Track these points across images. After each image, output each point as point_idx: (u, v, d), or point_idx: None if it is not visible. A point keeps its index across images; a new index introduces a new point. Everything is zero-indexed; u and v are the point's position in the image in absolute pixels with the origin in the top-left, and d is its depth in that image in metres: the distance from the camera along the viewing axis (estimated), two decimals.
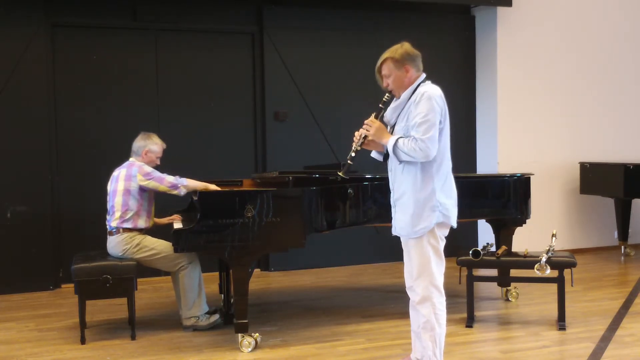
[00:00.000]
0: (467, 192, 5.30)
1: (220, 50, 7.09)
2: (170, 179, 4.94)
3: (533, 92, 7.82)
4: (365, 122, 3.74)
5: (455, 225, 3.80)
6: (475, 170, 7.90)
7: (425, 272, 3.70)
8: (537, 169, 7.24)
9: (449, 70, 7.79)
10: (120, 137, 6.58)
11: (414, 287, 3.76)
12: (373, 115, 3.76)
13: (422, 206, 3.65)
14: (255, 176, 5.78)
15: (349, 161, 3.77)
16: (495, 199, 5.43)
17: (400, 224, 3.77)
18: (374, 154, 3.97)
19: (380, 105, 3.76)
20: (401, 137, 3.63)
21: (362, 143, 3.76)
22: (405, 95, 3.71)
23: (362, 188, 4.84)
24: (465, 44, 7.93)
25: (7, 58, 6.34)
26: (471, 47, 7.96)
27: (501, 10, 7.66)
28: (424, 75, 3.78)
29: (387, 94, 3.76)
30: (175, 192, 4.96)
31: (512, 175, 5.47)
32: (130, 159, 5.09)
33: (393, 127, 3.78)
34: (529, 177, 5.58)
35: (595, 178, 7.63)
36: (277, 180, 5.10)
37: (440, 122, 3.62)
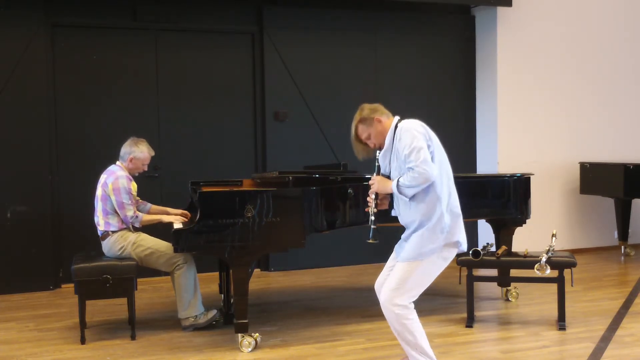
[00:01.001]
0: (467, 192, 5.29)
1: (220, 50, 7.09)
2: (129, 213, 4.88)
3: (533, 92, 7.82)
4: (369, 182, 3.86)
5: (464, 247, 3.81)
6: (475, 170, 7.90)
7: (402, 286, 3.68)
8: (537, 169, 7.25)
9: (449, 70, 7.78)
10: (120, 137, 6.53)
11: (384, 288, 3.75)
12: (373, 175, 3.87)
13: (432, 231, 3.69)
14: (255, 176, 5.78)
15: (373, 226, 3.83)
16: (495, 199, 5.43)
17: (407, 250, 3.75)
18: (394, 212, 3.97)
19: (376, 164, 3.88)
20: (401, 177, 3.69)
21: (377, 204, 3.86)
22: (388, 139, 3.81)
23: (362, 188, 4.84)
24: (465, 44, 7.93)
25: (7, 58, 6.35)
26: (471, 47, 7.95)
27: (501, 10, 7.66)
28: (397, 118, 3.86)
29: (377, 152, 3.88)
30: (130, 223, 4.95)
31: (512, 175, 5.47)
32: (116, 163, 5.09)
33: (389, 173, 3.86)
34: (529, 177, 5.58)
35: (595, 178, 7.63)
36: (277, 180, 5.10)
37: (429, 145, 3.68)
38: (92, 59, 6.69)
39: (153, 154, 5.18)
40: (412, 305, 3.74)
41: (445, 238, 3.71)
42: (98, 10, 6.66)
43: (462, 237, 3.79)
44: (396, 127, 3.79)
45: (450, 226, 3.73)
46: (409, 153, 3.63)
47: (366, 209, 3.90)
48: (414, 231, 3.76)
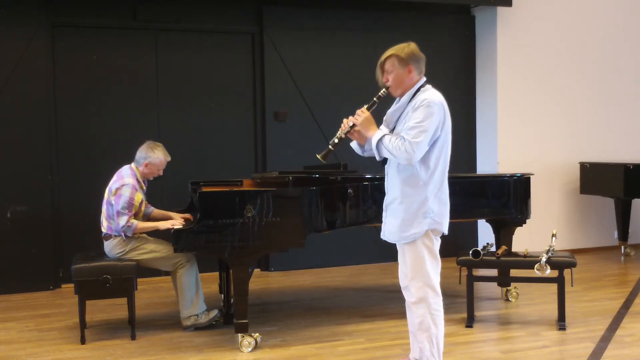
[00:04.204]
0: (467, 192, 5.31)
1: (220, 50, 7.09)
2: (122, 222, 4.83)
3: (533, 92, 7.82)
4: (357, 112, 3.74)
5: (446, 232, 3.78)
6: (475, 170, 7.89)
7: (419, 272, 3.70)
8: (537, 169, 7.25)
9: (449, 70, 7.79)
10: (120, 137, 6.61)
11: (409, 288, 3.76)
12: (365, 106, 3.76)
13: (414, 213, 3.65)
14: (255, 176, 5.78)
15: (330, 146, 3.77)
16: (495, 199, 5.43)
17: (389, 228, 3.77)
18: (353, 145, 3.93)
19: (374, 99, 3.74)
20: (389, 135, 3.62)
21: (348, 132, 3.76)
22: (405, 98, 3.70)
23: (362, 188, 4.84)
24: (465, 44, 7.93)
25: (7, 58, 6.35)
26: (471, 47, 7.95)
27: (501, 10, 7.66)
28: (424, 79, 3.76)
29: (383, 89, 3.73)
30: (122, 232, 4.90)
31: (512, 175, 5.47)
32: (131, 165, 5.06)
33: (392, 130, 3.76)
34: (529, 177, 5.57)
35: (595, 178, 7.63)
36: (277, 180, 5.10)
37: (437, 131, 3.60)
38: (92, 59, 6.69)
39: (169, 159, 5.11)
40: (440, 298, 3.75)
41: (430, 224, 3.65)
42: (98, 10, 6.66)
43: (445, 223, 3.75)
44: (418, 90, 3.68)
45: (437, 214, 3.67)
46: (414, 126, 3.53)
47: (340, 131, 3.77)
48: (391, 201, 3.73)
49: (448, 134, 3.70)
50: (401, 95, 3.73)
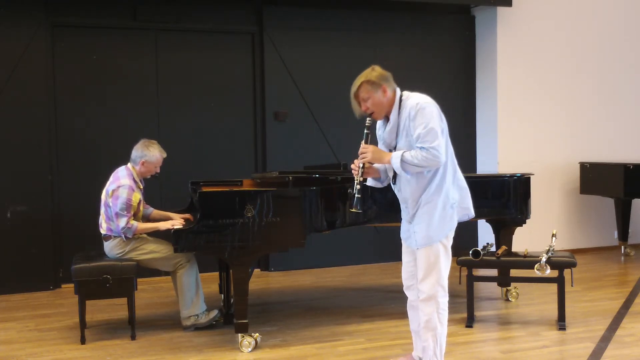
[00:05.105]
0: None
1: (220, 50, 7.09)
2: (121, 224, 4.81)
3: (533, 92, 7.82)
4: (360, 151, 3.74)
5: (473, 214, 3.85)
6: (475, 170, 7.89)
7: (434, 270, 3.72)
8: (537, 169, 7.25)
9: (449, 70, 7.78)
10: (120, 137, 6.60)
11: (421, 285, 3.75)
12: (362, 142, 3.75)
13: (441, 211, 3.69)
14: (255, 176, 5.78)
15: (356, 195, 3.73)
16: (495, 199, 5.43)
17: (420, 236, 3.73)
18: (370, 182, 3.95)
19: (365, 131, 3.74)
20: (406, 152, 3.61)
21: (363, 172, 3.76)
22: (394, 115, 3.72)
23: (362, 188, 4.83)
24: (465, 44, 7.93)
25: (7, 58, 6.34)
26: (471, 47, 7.95)
27: (501, 10, 7.66)
28: (398, 90, 3.77)
29: (367, 119, 3.75)
30: (122, 234, 4.88)
31: (512, 175, 5.47)
32: (127, 165, 5.05)
33: (395, 148, 3.77)
34: (529, 177, 5.57)
35: (595, 178, 7.62)
36: (277, 180, 5.10)
37: (441, 124, 3.66)
38: (92, 59, 6.69)
39: (165, 155, 5.11)
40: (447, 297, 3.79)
41: (459, 214, 3.77)
42: (98, 10, 6.66)
43: (471, 206, 3.84)
44: (400, 101, 3.71)
45: (459, 201, 3.77)
46: (425, 133, 3.56)
47: (354, 174, 3.76)
48: (416, 209, 3.72)
49: (446, 128, 3.75)
50: (387, 115, 3.76)
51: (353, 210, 3.76)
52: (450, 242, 3.77)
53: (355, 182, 3.75)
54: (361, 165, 3.74)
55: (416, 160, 3.57)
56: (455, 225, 3.77)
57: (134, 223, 4.86)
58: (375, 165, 3.83)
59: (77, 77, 6.66)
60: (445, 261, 3.75)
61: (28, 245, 6.40)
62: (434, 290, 3.72)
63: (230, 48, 7.13)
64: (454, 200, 3.74)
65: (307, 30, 7.30)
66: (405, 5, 7.48)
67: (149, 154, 4.99)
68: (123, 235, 4.86)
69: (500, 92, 7.70)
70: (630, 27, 8.21)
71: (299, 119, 7.25)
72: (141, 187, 5.07)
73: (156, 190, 6.72)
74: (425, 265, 3.72)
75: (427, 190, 3.69)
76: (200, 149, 7.00)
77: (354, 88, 3.72)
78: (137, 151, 5.02)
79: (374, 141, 3.83)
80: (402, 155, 3.60)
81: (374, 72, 3.71)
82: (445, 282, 3.76)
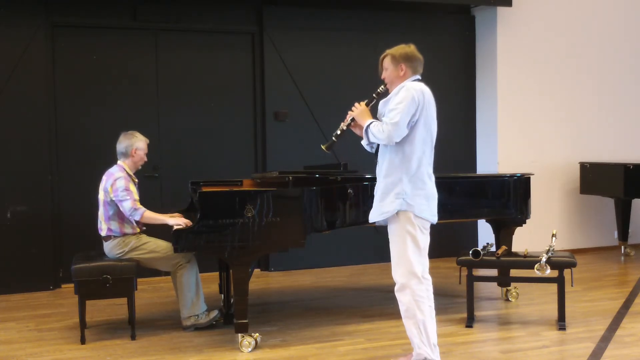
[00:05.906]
0: (467, 192, 5.32)
1: (220, 50, 7.09)
2: (127, 205, 4.81)
3: (533, 92, 7.82)
4: (354, 106, 4.02)
5: (432, 221, 3.92)
6: (475, 170, 7.89)
7: (402, 259, 3.83)
8: (537, 169, 7.25)
9: (449, 70, 7.79)
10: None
11: (393, 275, 3.89)
12: (365, 101, 4.03)
13: (388, 191, 3.86)
14: (255, 176, 5.78)
15: (333, 138, 4.10)
16: (495, 199, 5.43)
17: (372, 208, 3.99)
18: (364, 143, 4.13)
19: (373, 95, 4.04)
20: (375, 121, 3.88)
21: (350, 124, 4.05)
22: (394, 90, 3.92)
23: (362, 188, 4.84)
24: (465, 44, 7.93)
25: (7, 58, 6.35)
26: (471, 47, 7.95)
27: (501, 10, 7.66)
28: (417, 77, 3.95)
29: (382, 86, 4.01)
30: (131, 217, 4.89)
31: (512, 175, 5.47)
32: (117, 163, 5.06)
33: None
34: (529, 177, 5.58)
35: (595, 178, 7.63)
36: (277, 180, 5.10)
37: (415, 114, 3.78)
38: (92, 59, 6.69)
39: (148, 141, 5.19)
40: (427, 283, 3.85)
41: (401, 204, 3.81)
42: (98, 10, 6.66)
43: (426, 213, 3.85)
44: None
45: (409, 196, 3.82)
46: (392, 109, 3.79)
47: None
48: (376, 186, 3.97)
49: (430, 124, 3.87)
50: None
51: (322, 147, 4.12)
52: (417, 231, 3.82)
53: (339, 127, 4.06)
54: (350, 118, 4.03)
55: (374, 129, 3.83)
56: (394, 211, 3.81)
57: (141, 207, 4.87)
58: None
59: (77, 77, 6.66)
60: (414, 251, 3.81)
61: (28, 245, 6.40)
62: (405, 279, 3.82)
63: (230, 48, 7.13)
64: (404, 192, 3.81)
65: (307, 30, 7.30)
66: (405, 5, 7.49)
67: (136, 141, 5.06)
68: (134, 221, 4.88)
69: (500, 92, 7.71)
70: (630, 27, 8.21)
71: (299, 119, 7.25)
72: (135, 181, 5.08)
73: (157, 190, 6.73)
74: (395, 252, 3.86)
75: (387, 170, 3.87)
76: (200, 149, 7.00)
77: (382, 55, 3.99)
78: (124, 142, 5.07)
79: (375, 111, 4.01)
80: (370, 122, 3.89)
81: (402, 49, 3.92)
82: (418, 270, 3.82)
